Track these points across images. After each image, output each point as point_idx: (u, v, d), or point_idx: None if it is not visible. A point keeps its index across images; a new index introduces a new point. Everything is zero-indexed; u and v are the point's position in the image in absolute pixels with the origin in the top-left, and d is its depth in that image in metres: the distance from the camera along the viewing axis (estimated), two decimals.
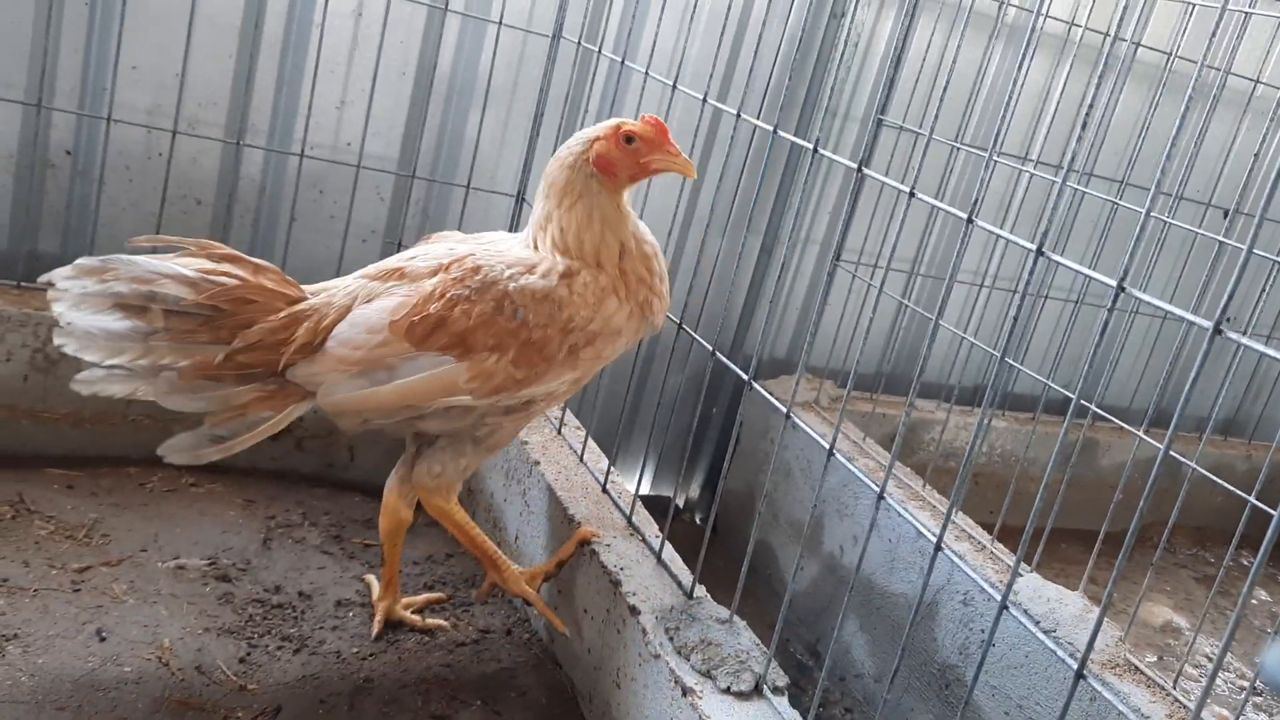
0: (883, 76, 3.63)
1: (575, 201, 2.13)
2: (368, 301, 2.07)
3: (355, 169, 3.07)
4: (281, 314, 2.06)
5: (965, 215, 1.74)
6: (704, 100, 2.47)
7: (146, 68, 2.86)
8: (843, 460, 2.04)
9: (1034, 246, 1.59)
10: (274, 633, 2.30)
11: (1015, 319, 1.76)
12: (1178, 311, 1.39)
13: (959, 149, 3.51)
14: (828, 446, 2.04)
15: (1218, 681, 3.40)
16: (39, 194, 2.85)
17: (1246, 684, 3.46)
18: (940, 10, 3.50)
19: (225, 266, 2.07)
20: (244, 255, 2.13)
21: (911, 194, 1.89)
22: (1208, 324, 1.27)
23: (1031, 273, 1.66)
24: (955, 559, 2.87)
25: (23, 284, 2.77)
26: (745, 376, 2.23)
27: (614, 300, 2.12)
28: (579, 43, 3.11)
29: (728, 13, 3.09)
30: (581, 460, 2.70)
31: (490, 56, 3.14)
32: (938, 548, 1.84)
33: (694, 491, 4.01)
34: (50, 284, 1.98)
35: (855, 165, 1.98)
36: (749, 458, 3.70)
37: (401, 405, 2.04)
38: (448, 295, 2.03)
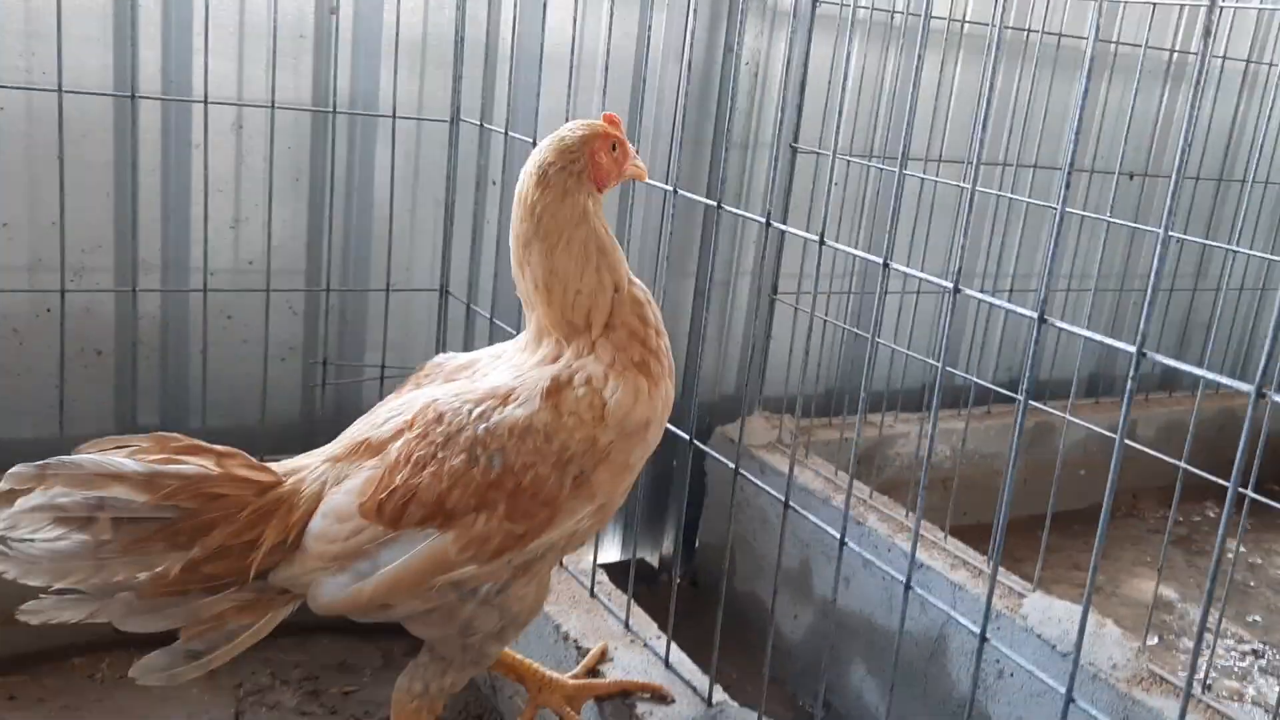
0: (785, 101, 3.56)
1: (573, 235, 1.74)
2: (337, 485, 1.76)
3: (265, 293, 2.87)
4: (246, 510, 1.74)
5: (881, 260, 1.70)
6: None
7: (18, 224, 2.65)
8: (801, 511, 1.98)
9: (950, 285, 1.56)
10: None
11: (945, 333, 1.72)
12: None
13: (870, 165, 3.46)
14: (782, 500, 1.95)
15: (1220, 651, 3.39)
16: None
17: (1247, 647, 3.46)
18: (835, 23, 3.43)
19: (184, 458, 1.74)
20: (205, 444, 1.79)
21: (822, 242, 1.82)
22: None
23: (952, 311, 1.60)
24: (951, 589, 2.82)
25: None
26: (686, 436, 2.12)
27: (621, 386, 1.71)
28: (481, 124, 2.97)
29: (606, 69, 2.99)
30: (561, 565, 2.56)
31: (388, 150, 2.98)
32: (908, 587, 1.75)
33: (666, 549, 3.89)
34: None
35: (764, 220, 1.92)
36: (720, 507, 3.59)
37: (397, 593, 1.72)
38: (413, 458, 1.70)
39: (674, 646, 2.23)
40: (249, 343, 2.96)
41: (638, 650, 2.25)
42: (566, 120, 2.43)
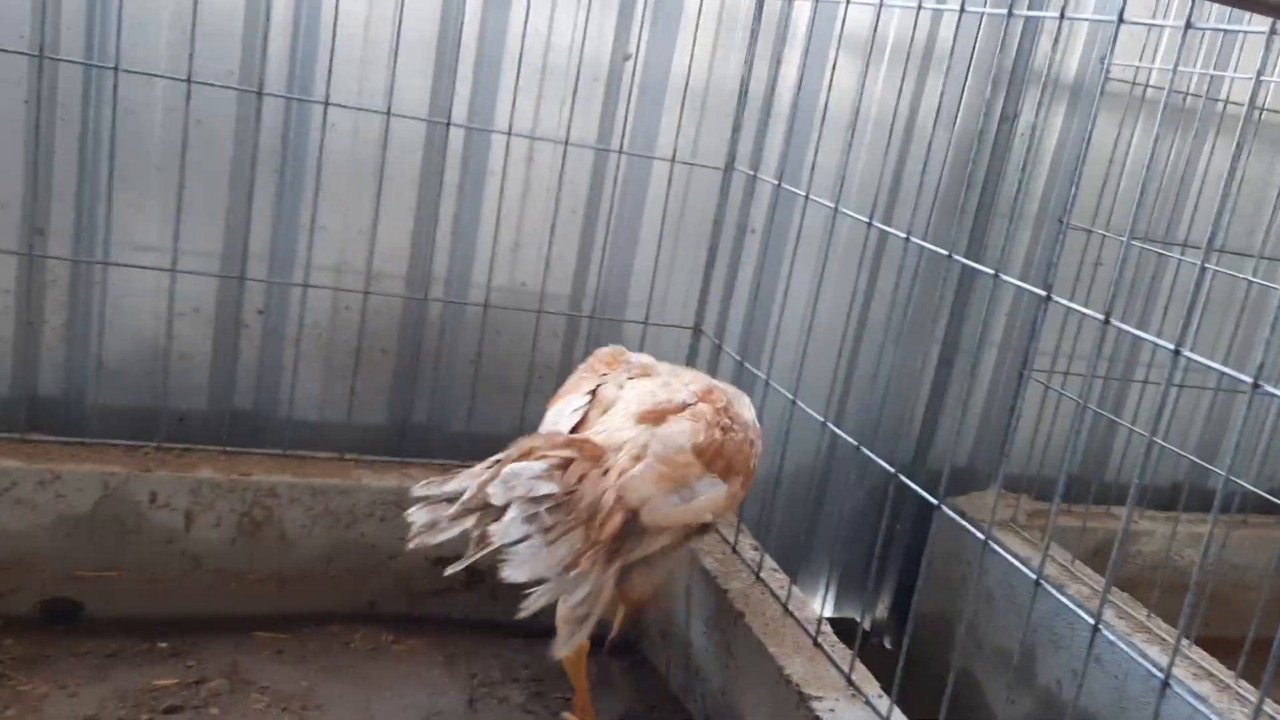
0: (1056, 176, 3.51)
1: None
2: (654, 435, 2.22)
3: (536, 314, 3.08)
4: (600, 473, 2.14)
5: (1173, 347, 1.63)
6: (869, 224, 2.40)
7: (333, 229, 2.95)
8: (1051, 590, 1.91)
9: (1249, 380, 1.49)
10: None
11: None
12: None
13: (1154, 252, 3.35)
14: (1034, 576, 1.92)
15: None
16: (234, 354, 2.94)
17: None
18: (1122, 103, 3.36)
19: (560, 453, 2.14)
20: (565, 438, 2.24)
21: (1107, 321, 1.78)
22: None
23: (1249, 408, 1.53)
24: (1193, 701, 2.68)
25: (228, 449, 2.85)
26: (933, 500, 2.14)
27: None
28: (754, 174, 3.08)
29: (892, 127, 3.03)
30: (787, 610, 2.60)
31: (659, 190, 3.14)
32: (1165, 683, 1.67)
33: (881, 613, 3.85)
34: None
35: (1044, 294, 1.89)
36: (942, 580, 3.54)
37: (693, 519, 2.26)
38: (720, 424, 2.28)
39: (897, 711, 2.23)
40: (514, 358, 3.17)
41: (859, 706, 2.26)
42: (840, 174, 2.53)
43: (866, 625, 3.84)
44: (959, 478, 3.74)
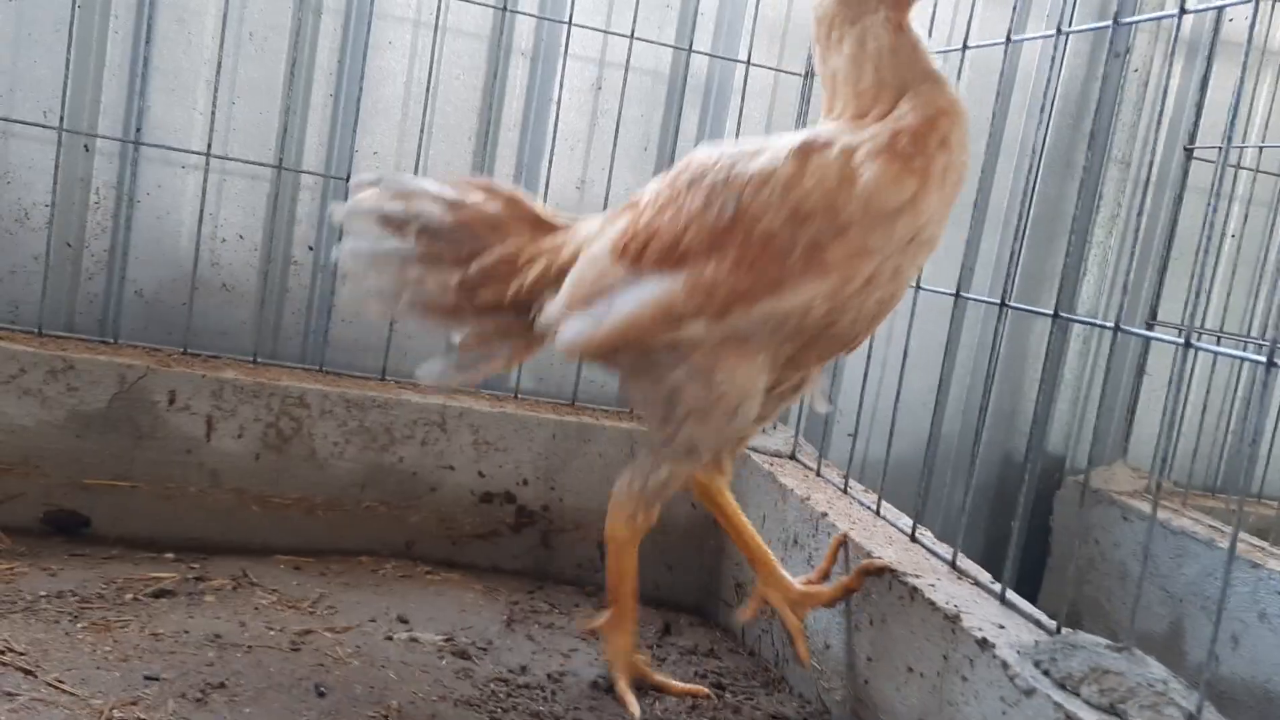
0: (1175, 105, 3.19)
1: (843, 33, 1.67)
2: (602, 235, 1.80)
3: None
4: (522, 243, 1.88)
5: None
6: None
7: (386, 152, 2.79)
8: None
9: None
10: (521, 709, 1.85)
11: None
12: None
13: None
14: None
15: None
16: (281, 289, 2.76)
17: None
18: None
19: (482, 194, 1.93)
20: (500, 187, 1.97)
21: None
22: None
23: None
24: None
25: (258, 359, 2.63)
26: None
27: (880, 165, 1.55)
28: None
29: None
30: (879, 514, 2.21)
31: (735, 122, 2.93)
32: None
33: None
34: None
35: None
36: (1063, 570, 3.06)
37: (625, 342, 1.69)
38: (660, 201, 1.69)
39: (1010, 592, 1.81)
40: None
41: (966, 585, 1.85)
42: None
43: None
44: (1082, 456, 3.29)
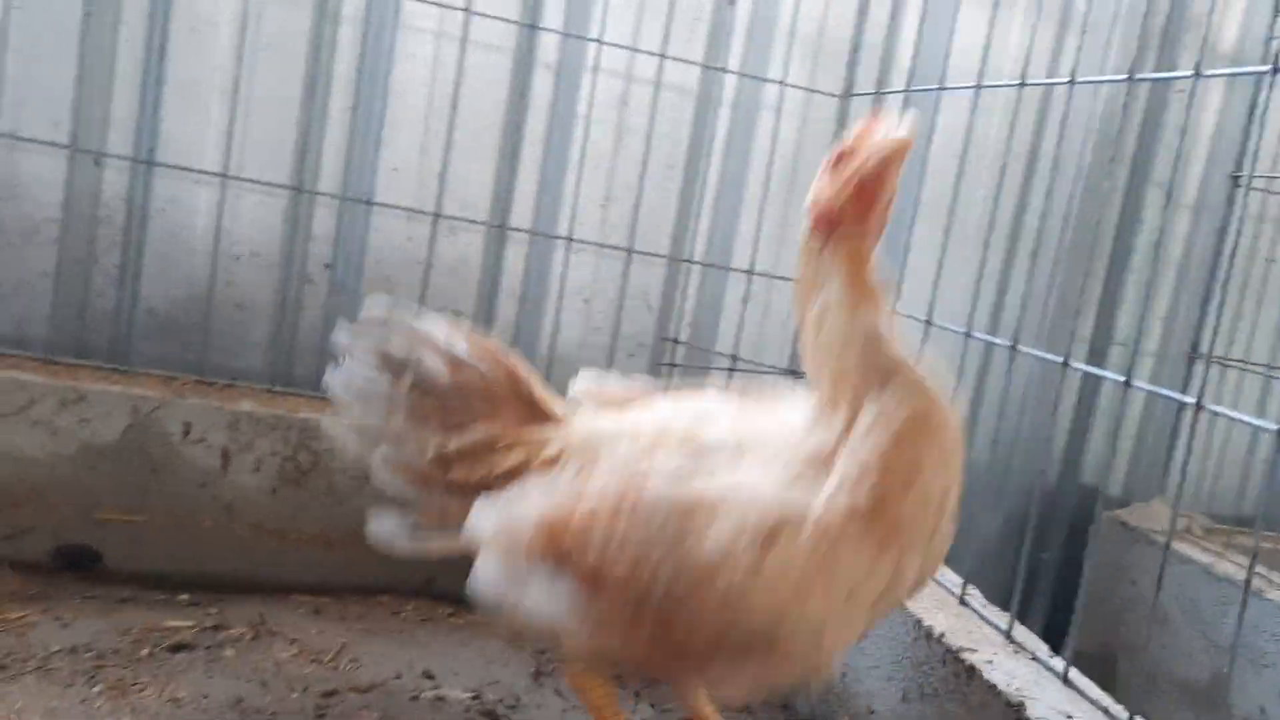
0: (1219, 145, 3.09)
1: (808, 300, 1.44)
2: (570, 473, 1.58)
3: (627, 253, 2.74)
4: (507, 427, 1.72)
5: None
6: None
7: (407, 168, 2.69)
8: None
9: None
10: None
11: None
12: None
13: None
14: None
15: None
16: (296, 308, 2.66)
17: None
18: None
19: (493, 363, 1.79)
20: (512, 359, 1.81)
21: None
22: None
23: None
24: None
25: (275, 387, 2.54)
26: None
27: (851, 554, 1.32)
28: (876, 92, 2.75)
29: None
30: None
31: (767, 146, 2.83)
32: None
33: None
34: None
35: None
36: (1099, 608, 2.98)
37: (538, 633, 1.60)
38: (601, 514, 1.47)
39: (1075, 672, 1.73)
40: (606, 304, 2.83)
41: (1024, 661, 1.76)
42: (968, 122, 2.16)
43: None
44: (1116, 493, 3.22)
